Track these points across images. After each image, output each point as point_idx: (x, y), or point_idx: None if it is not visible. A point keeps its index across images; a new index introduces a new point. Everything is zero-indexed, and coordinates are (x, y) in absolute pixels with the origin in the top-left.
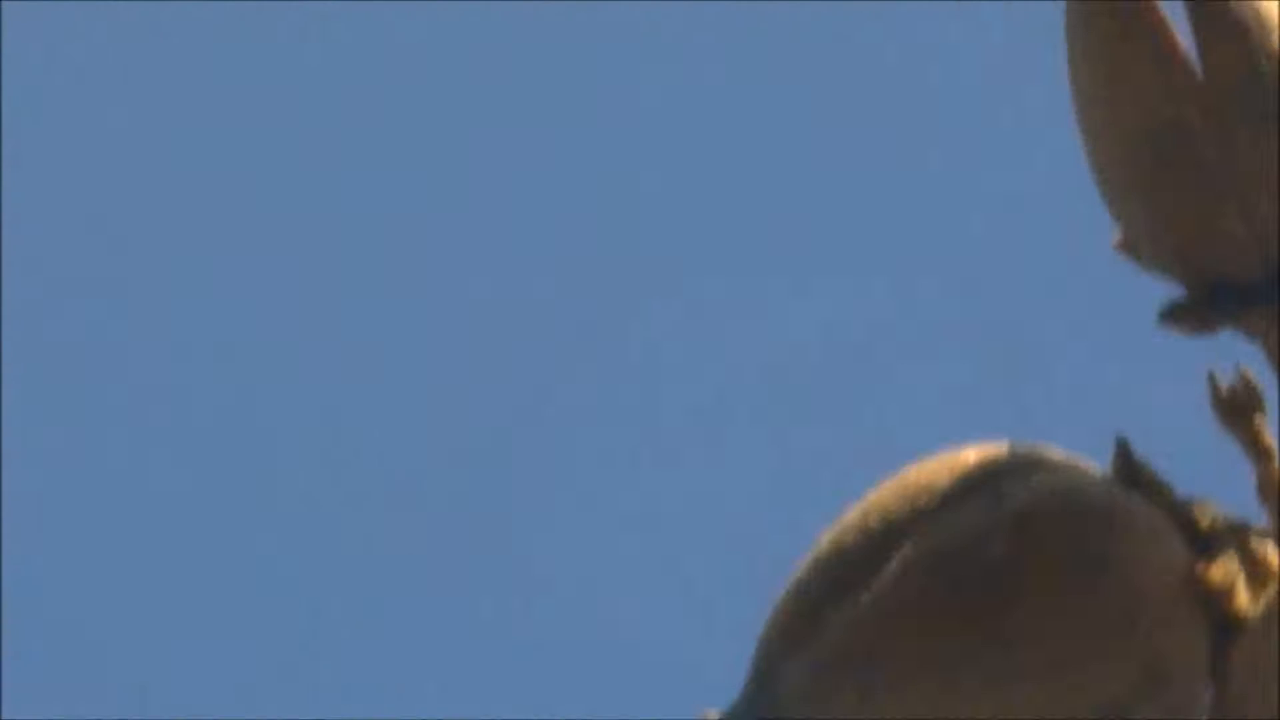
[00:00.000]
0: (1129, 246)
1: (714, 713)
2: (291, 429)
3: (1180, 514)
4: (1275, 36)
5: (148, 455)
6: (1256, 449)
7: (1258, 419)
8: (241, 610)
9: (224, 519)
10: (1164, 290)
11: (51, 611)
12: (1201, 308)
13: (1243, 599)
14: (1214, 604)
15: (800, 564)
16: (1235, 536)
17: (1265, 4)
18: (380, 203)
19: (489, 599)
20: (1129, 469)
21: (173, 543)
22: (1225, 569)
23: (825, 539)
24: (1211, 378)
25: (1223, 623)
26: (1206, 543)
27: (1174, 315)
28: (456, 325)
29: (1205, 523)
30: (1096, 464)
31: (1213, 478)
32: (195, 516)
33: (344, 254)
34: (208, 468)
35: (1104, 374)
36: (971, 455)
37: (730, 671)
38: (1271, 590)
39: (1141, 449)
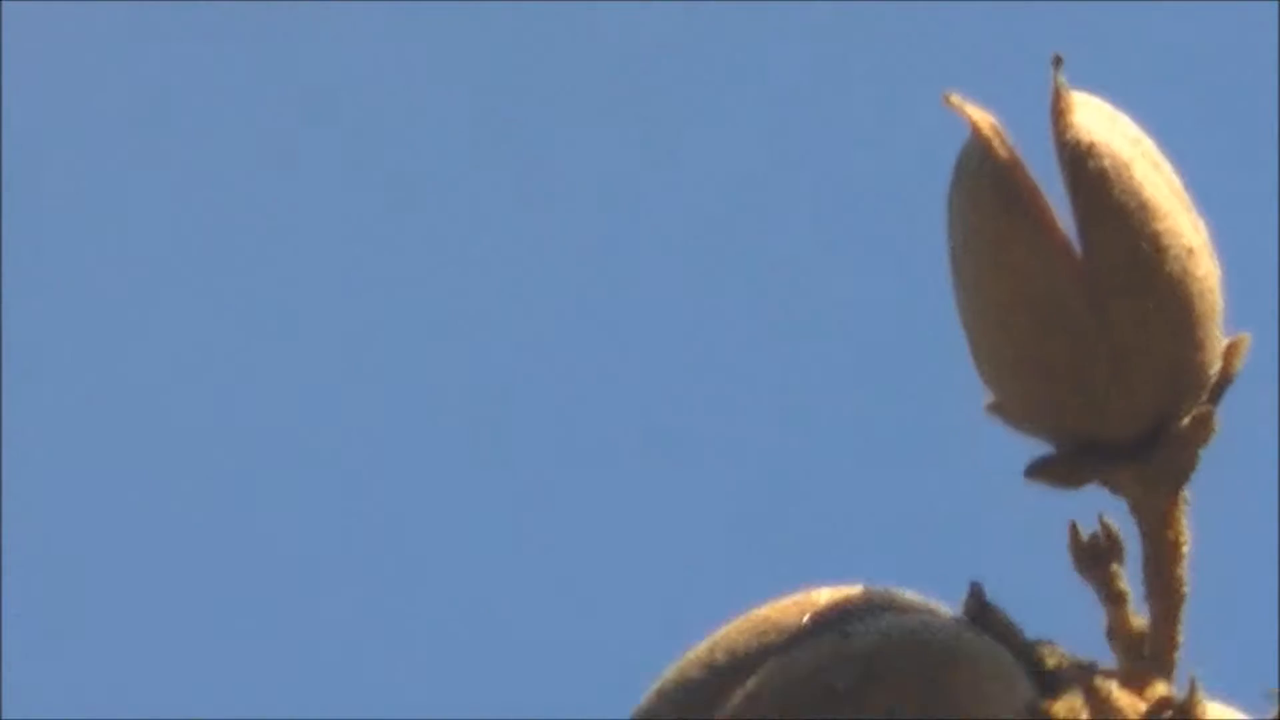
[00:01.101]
0: (999, 408)
1: None
2: None
3: (1027, 654)
4: (1157, 220)
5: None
6: (1110, 595)
7: (1114, 567)
8: None
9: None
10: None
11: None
12: (1070, 464)
13: None
14: None
15: (645, 696)
16: (1081, 676)
17: (1149, 187)
18: None
19: None
20: (980, 611)
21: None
22: (1069, 706)
23: (670, 672)
24: (1073, 526)
25: None
26: (1053, 682)
27: (1041, 470)
28: None
29: (1052, 662)
30: (948, 607)
31: (1064, 623)
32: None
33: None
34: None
35: (962, 518)
36: (823, 595)
37: None
38: None
39: (996, 593)
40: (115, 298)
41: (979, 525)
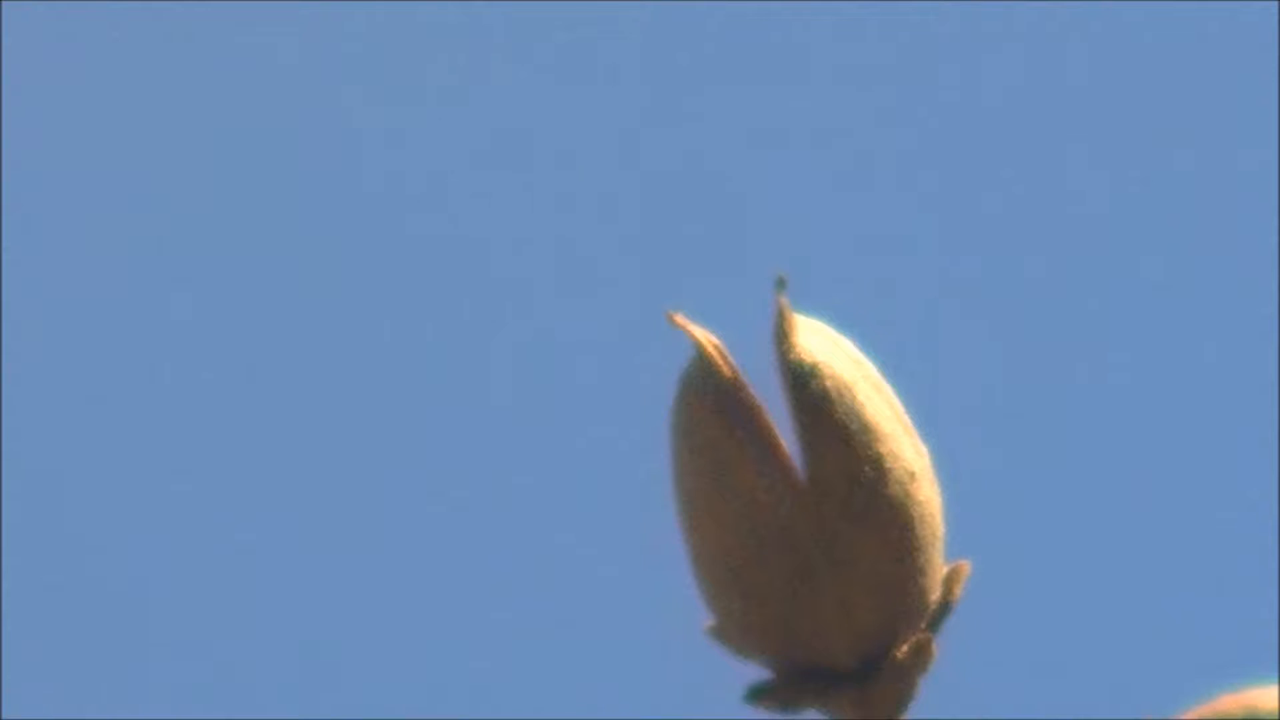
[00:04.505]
0: (719, 631)
1: None
2: None
3: None
4: (880, 443)
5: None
6: None
7: None
8: None
9: None
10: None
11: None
12: (789, 690)
13: None
14: None
15: None
16: None
17: (871, 410)
18: None
19: None
20: None
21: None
22: None
23: None
24: None
25: None
26: None
27: (760, 696)
28: None
29: None
30: None
31: None
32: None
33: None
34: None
35: None
36: None
37: None
38: None
39: None
40: (115, 298)
41: None
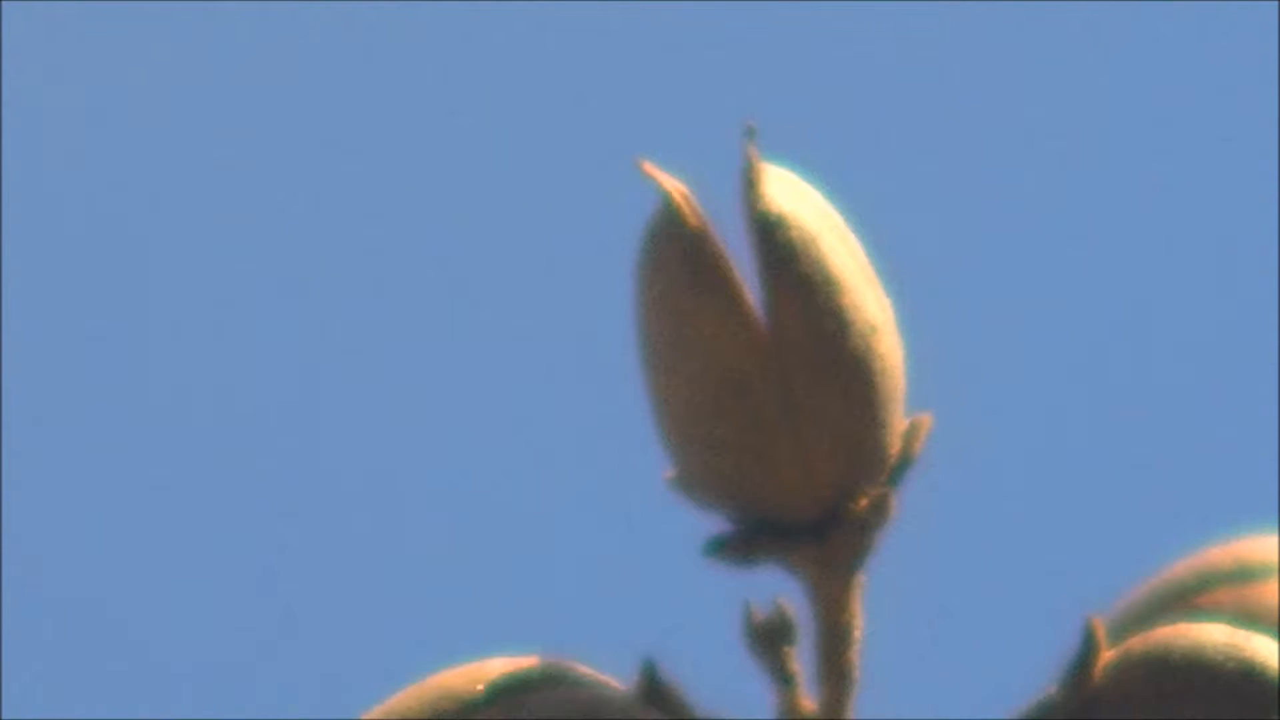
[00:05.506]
0: (680, 481)
1: None
2: None
3: None
4: (843, 295)
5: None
6: (781, 676)
7: (786, 649)
8: None
9: None
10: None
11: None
12: (747, 543)
13: None
14: None
15: None
16: None
17: (836, 262)
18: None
19: None
20: (653, 688)
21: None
22: None
23: None
24: (747, 606)
25: None
26: None
27: (718, 548)
28: None
29: None
30: (621, 682)
31: (740, 704)
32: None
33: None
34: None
35: (640, 595)
36: (496, 665)
37: None
38: None
39: (669, 670)
40: (114, 297)
41: (654, 600)
